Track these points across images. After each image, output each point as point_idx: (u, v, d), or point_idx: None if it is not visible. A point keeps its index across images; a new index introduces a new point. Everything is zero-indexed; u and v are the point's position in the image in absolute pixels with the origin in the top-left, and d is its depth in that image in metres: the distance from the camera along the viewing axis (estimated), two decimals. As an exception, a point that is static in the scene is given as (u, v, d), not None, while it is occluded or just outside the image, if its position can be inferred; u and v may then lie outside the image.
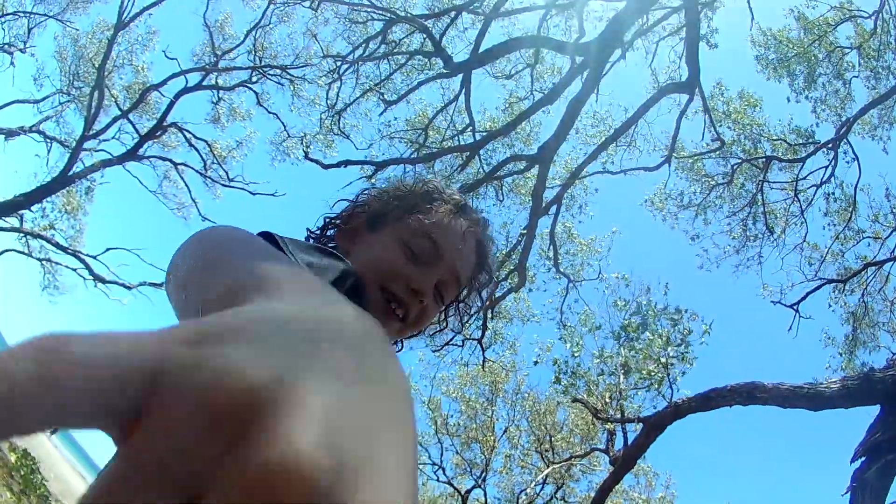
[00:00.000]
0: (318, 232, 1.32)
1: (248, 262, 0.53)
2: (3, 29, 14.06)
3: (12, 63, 14.20)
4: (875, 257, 10.34)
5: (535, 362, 12.87)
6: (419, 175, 1.37)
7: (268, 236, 0.90)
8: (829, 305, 10.82)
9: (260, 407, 0.25)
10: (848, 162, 10.55)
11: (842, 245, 10.90)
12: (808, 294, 9.80)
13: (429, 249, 1.21)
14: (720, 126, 10.13)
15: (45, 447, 18.04)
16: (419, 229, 1.22)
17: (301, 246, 0.95)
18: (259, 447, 0.24)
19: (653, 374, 9.86)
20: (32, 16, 14.25)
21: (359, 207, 1.29)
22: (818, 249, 11.01)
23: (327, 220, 1.31)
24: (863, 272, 10.40)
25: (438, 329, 1.42)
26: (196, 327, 0.30)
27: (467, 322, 1.52)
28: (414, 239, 1.21)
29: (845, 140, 10.37)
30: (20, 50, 14.19)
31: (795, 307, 9.59)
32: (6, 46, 14.04)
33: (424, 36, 10.39)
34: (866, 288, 10.50)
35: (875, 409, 4.28)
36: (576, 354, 10.98)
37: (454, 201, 1.30)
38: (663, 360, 9.66)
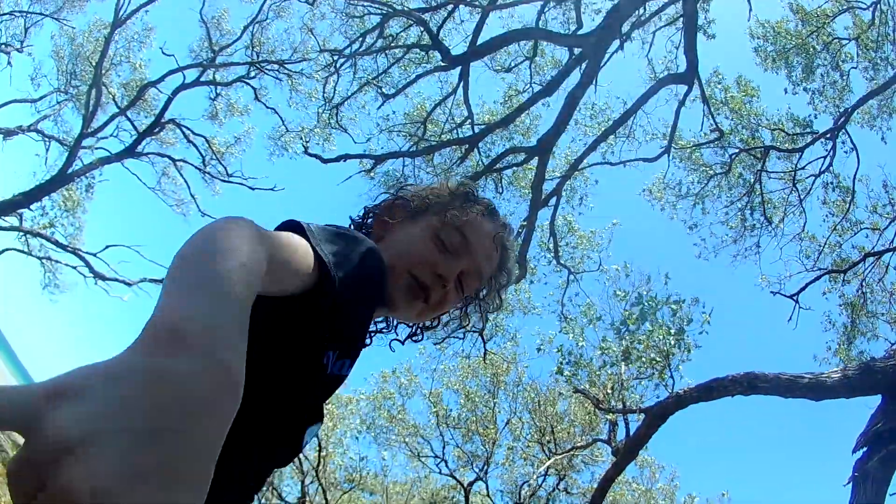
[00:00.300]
0: (359, 219, 1.47)
1: (164, 299, 0.59)
2: (0, 29, 14.04)
3: (9, 63, 14.19)
4: (873, 248, 10.34)
5: (538, 349, 12.90)
6: (460, 177, 1.57)
7: (296, 226, 1.00)
8: (824, 293, 10.83)
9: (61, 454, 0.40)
10: (846, 152, 10.54)
11: (839, 237, 10.90)
12: (807, 284, 9.81)
13: (458, 242, 1.35)
14: (717, 115, 10.12)
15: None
16: (452, 224, 1.35)
17: (327, 234, 1.03)
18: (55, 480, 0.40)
19: (654, 363, 9.88)
20: (29, 15, 14.22)
21: (399, 200, 1.43)
22: (815, 241, 11.01)
23: (368, 209, 1.46)
24: (862, 263, 10.39)
25: (461, 325, 1.58)
26: (53, 384, 0.43)
27: (486, 320, 1.69)
28: (446, 232, 1.35)
29: (844, 130, 10.36)
30: (17, 50, 14.17)
31: (795, 297, 9.59)
32: (3, 47, 14.02)
33: (422, 29, 10.37)
34: (864, 279, 10.51)
35: (876, 399, 4.30)
36: (580, 344, 11.00)
37: (486, 204, 1.45)
38: (664, 348, 9.68)
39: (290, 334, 1.07)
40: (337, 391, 1.30)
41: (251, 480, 1.17)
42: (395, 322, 1.50)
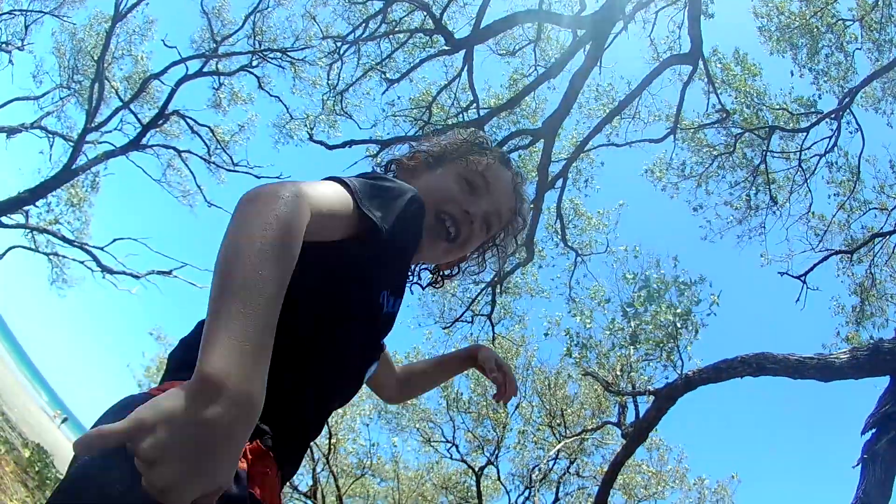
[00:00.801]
0: (383, 170, 1.56)
1: (219, 343, 0.79)
2: (0, 28, 14.03)
3: (11, 61, 14.18)
4: (881, 228, 10.27)
5: (546, 334, 12.91)
6: (472, 128, 1.67)
7: (338, 181, 1.12)
8: (837, 275, 10.78)
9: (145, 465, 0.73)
10: (851, 132, 10.45)
11: (848, 216, 10.82)
12: (815, 265, 9.75)
13: (483, 184, 1.47)
14: (720, 94, 10.03)
15: (60, 442, 18.24)
16: (475, 168, 1.47)
17: (369, 188, 1.15)
18: None
19: (662, 344, 9.87)
20: (29, 13, 14.20)
21: (420, 150, 1.54)
22: (824, 220, 10.93)
23: (391, 159, 1.57)
24: (870, 243, 10.32)
25: (477, 270, 1.69)
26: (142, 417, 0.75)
27: (504, 264, 1.85)
28: (471, 174, 1.46)
29: (849, 110, 10.26)
30: (18, 48, 14.16)
31: (803, 278, 9.54)
32: (4, 45, 14.01)
33: (425, 13, 10.30)
34: (874, 259, 10.44)
35: (885, 381, 4.28)
36: (588, 326, 10.99)
37: (500, 153, 1.58)
38: (671, 331, 9.67)
39: (349, 278, 1.18)
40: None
41: (321, 418, 1.27)
42: (417, 268, 1.61)
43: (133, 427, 0.72)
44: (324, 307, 1.17)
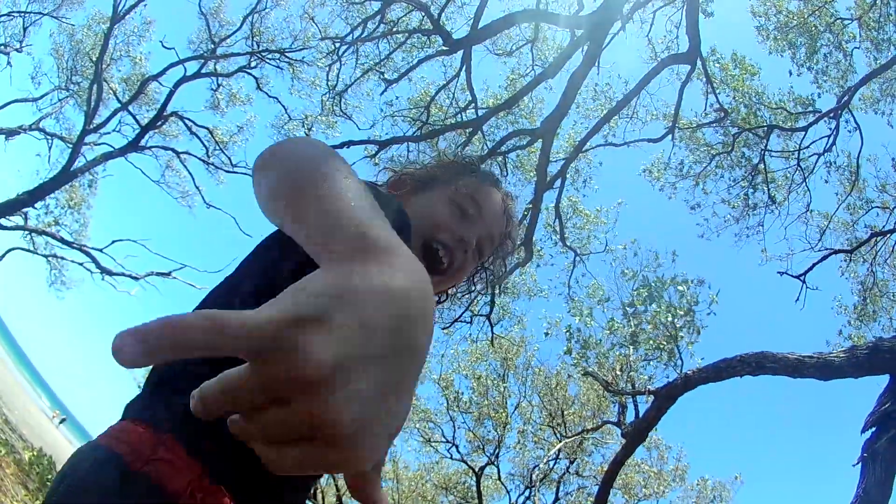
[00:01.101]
0: None
1: (361, 214, 0.58)
2: (-1, 30, 14.04)
3: (9, 63, 14.17)
4: (883, 227, 10.27)
5: (546, 333, 12.92)
6: (458, 150, 1.58)
7: None
8: (842, 274, 10.79)
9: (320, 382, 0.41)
10: (850, 131, 10.46)
11: (851, 214, 10.83)
12: (814, 265, 9.75)
13: (474, 209, 1.39)
14: (718, 94, 10.04)
15: (60, 443, 18.23)
16: (467, 192, 1.39)
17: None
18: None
19: (661, 345, 9.86)
20: (27, 15, 14.19)
21: (405, 173, 1.46)
22: (826, 217, 10.93)
23: (372, 184, 1.41)
24: (870, 242, 10.32)
25: (468, 292, 1.61)
26: (288, 311, 0.42)
27: (497, 286, 1.73)
28: (462, 199, 1.38)
29: (847, 109, 10.26)
30: (16, 50, 14.15)
31: (802, 278, 9.53)
32: (3, 47, 14.00)
33: (423, 14, 10.30)
34: (875, 258, 10.44)
35: (884, 379, 4.28)
36: (589, 324, 11.00)
37: (489, 174, 1.51)
38: (671, 331, 9.66)
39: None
40: None
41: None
42: None
43: (287, 321, 0.42)
44: None
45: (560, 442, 13.21)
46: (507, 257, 1.56)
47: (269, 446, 0.44)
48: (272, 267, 1.08)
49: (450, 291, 1.54)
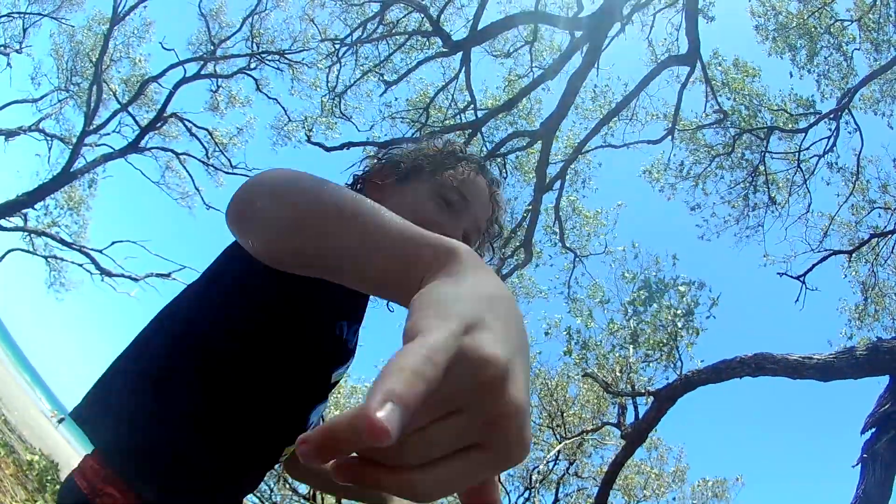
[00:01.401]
0: (350, 188, 1.37)
1: (407, 232, 0.63)
2: (-1, 31, 14.04)
3: (9, 64, 14.18)
4: (884, 228, 10.26)
5: (546, 333, 12.91)
6: (444, 136, 1.52)
7: None
8: (844, 276, 10.79)
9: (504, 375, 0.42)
10: (850, 132, 10.45)
11: (854, 214, 10.83)
12: (814, 265, 9.75)
13: (460, 201, 1.33)
14: (719, 95, 10.04)
15: (59, 444, 18.20)
16: (451, 183, 1.33)
17: None
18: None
19: (661, 345, 9.87)
20: (27, 16, 14.19)
21: (389, 164, 1.39)
22: (828, 218, 10.93)
23: (356, 175, 1.41)
24: (870, 242, 10.32)
25: None
26: (458, 317, 0.43)
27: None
28: (446, 191, 1.32)
29: (847, 111, 10.27)
30: (16, 51, 14.15)
31: (802, 279, 9.54)
32: (3, 48, 14.01)
33: (422, 15, 10.31)
34: (876, 258, 10.44)
35: (884, 380, 4.28)
36: (589, 326, 11.01)
37: (476, 160, 1.44)
38: (671, 330, 9.67)
39: (302, 309, 1.12)
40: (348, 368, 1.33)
41: (269, 454, 1.21)
42: None
43: (460, 326, 0.43)
44: (273, 339, 1.13)
45: (560, 443, 13.19)
46: (493, 241, 1.51)
47: (416, 470, 0.41)
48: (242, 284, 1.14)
49: None
